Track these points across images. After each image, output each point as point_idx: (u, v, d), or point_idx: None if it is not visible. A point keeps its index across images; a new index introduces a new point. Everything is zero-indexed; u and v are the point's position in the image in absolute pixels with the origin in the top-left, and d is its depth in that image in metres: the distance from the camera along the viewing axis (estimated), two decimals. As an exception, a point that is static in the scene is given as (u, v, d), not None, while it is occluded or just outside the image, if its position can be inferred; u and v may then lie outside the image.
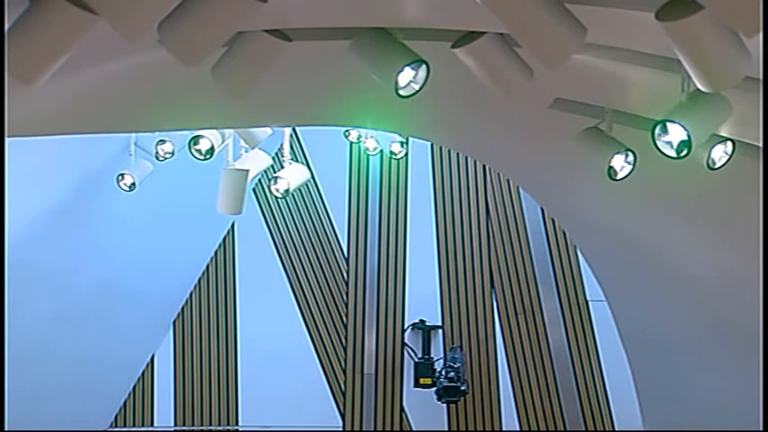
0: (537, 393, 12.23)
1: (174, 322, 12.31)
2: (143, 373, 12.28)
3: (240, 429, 12.34)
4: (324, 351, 12.40)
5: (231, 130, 9.32)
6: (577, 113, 6.30)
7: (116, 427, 12.26)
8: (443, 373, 11.79)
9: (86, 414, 11.78)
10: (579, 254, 11.62)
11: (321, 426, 12.35)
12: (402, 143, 11.35)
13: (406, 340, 12.36)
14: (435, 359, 12.11)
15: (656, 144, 5.34)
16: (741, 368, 8.15)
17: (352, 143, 11.80)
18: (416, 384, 12.05)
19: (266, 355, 12.26)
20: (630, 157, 6.06)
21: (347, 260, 12.43)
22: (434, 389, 11.87)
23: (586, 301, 12.09)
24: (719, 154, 5.79)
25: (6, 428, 8.16)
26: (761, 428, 7.14)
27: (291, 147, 10.75)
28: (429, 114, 6.85)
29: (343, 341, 12.42)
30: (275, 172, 10.39)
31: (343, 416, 12.43)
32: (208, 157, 9.33)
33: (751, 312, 7.36)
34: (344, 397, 12.42)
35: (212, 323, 12.34)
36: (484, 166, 12.13)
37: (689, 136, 5.23)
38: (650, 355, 9.51)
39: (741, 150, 5.84)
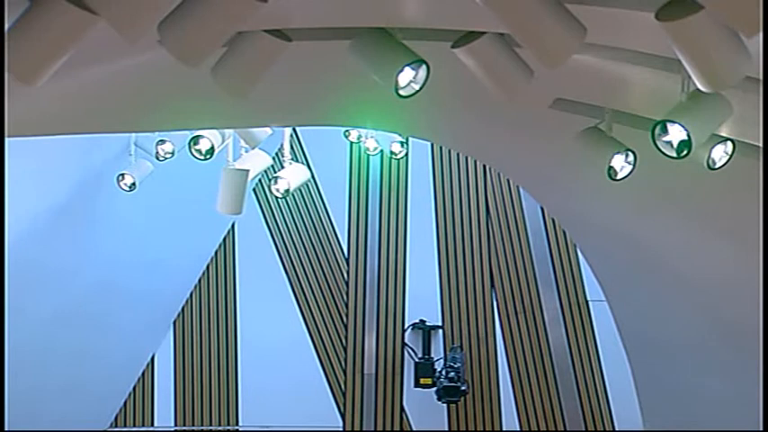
0: (537, 393, 12.23)
1: (174, 322, 12.31)
2: (143, 373, 12.28)
3: (240, 429, 12.34)
4: (324, 351, 12.39)
5: (231, 130, 9.32)
6: (577, 113, 6.30)
7: (116, 427, 12.26)
8: (443, 373, 11.80)
9: (86, 414, 11.78)
10: (579, 254, 11.62)
11: (321, 426, 12.35)
12: (402, 143, 11.34)
13: (406, 340, 12.35)
14: (435, 359, 12.11)
15: (656, 144, 5.34)
16: (741, 368, 8.15)
17: (352, 143, 11.79)
18: (416, 384, 12.05)
19: (266, 355, 12.26)
20: (630, 157, 6.05)
21: (347, 260, 12.42)
22: (434, 389, 11.87)
23: (586, 301, 12.08)
24: (719, 154, 5.79)
25: (6, 428, 8.14)
26: (761, 428, 7.14)
27: (291, 147, 10.75)
28: (429, 114, 6.85)
29: (343, 341, 12.42)
30: (275, 172, 10.39)
31: (343, 416, 12.43)
32: (208, 157, 9.33)
33: (751, 312, 7.36)
34: (344, 397, 12.42)
35: (212, 323, 12.34)
36: (484, 166, 12.13)
37: (689, 136, 5.23)
38: (650, 356, 9.51)
39: (741, 150, 5.84)
